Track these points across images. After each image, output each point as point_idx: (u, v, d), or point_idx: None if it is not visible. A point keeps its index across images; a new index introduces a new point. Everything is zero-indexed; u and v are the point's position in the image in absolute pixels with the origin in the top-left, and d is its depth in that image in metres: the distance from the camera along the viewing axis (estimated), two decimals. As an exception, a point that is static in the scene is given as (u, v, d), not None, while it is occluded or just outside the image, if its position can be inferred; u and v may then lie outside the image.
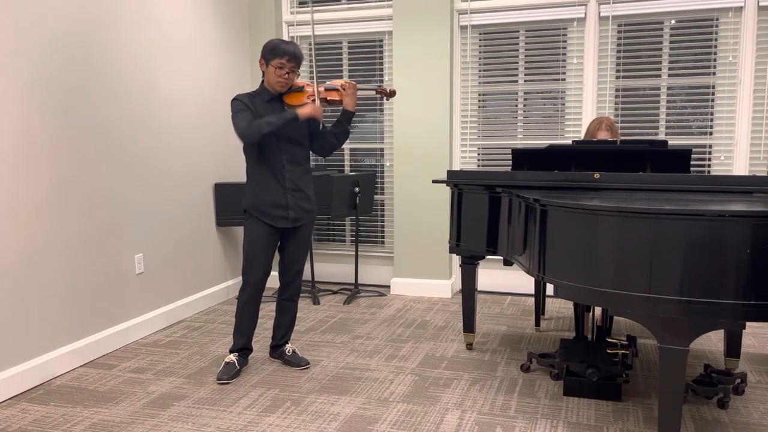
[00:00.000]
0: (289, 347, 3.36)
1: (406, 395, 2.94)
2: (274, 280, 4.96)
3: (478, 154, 4.80)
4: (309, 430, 2.59)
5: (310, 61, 5.08)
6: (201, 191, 4.39)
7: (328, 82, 3.23)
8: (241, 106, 3.05)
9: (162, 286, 4.02)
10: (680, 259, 2.10)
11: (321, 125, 3.27)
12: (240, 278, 4.85)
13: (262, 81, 3.15)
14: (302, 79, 3.10)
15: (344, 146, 5.10)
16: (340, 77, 5.02)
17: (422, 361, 3.38)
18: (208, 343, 3.72)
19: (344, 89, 3.16)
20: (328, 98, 3.19)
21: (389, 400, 2.89)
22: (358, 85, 3.22)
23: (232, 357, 3.20)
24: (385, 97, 3.31)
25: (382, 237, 5.13)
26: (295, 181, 3.16)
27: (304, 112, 3.04)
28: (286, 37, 5.07)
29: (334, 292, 4.92)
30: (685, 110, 4.36)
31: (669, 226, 2.12)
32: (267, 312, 4.36)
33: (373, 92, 3.26)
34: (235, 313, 3.41)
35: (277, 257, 4.60)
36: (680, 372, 2.17)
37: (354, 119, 5.04)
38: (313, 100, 3.15)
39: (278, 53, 3.03)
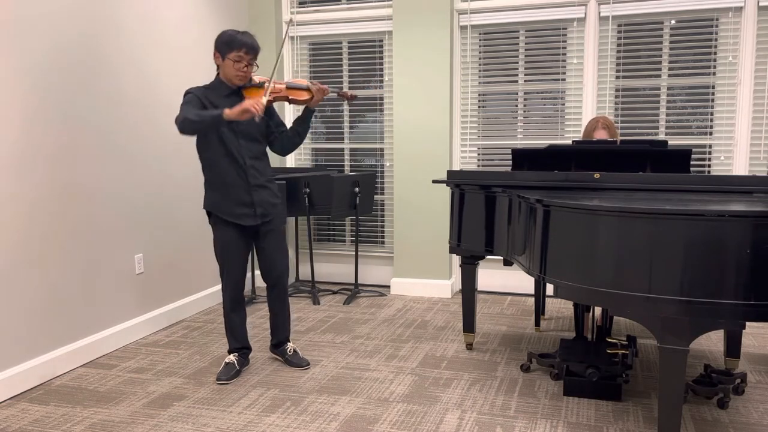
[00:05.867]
0: (290, 346, 3.35)
1: (406, 395, 2.93)
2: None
3: (478, 154, 4.80)
4: (309, 430, 2.59)
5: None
6: (201, 191, 4.39)
7: (290, 80, 3.14)
8: (191, 98, 2.91)
9: (162, 286, 4.02)
10: (680, 259, 2.11)
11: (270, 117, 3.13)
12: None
13: (218, 74, 3.02)
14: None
15: (344, 146, 5.10)
16: (340, 77, 5.02)
17: (422, 361, 3.37)
18: (208, 343, 3.72)
19: (317, 91, 3.07)
20: (291, 97, 3.08)
21: (389, 400, 2.89)
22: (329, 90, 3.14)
23: (232, 357, 3.20)
24: (346, 101, 3.23)
25: (382, 237, 5.13)
26: (257, 176, 3.07)
27: (231, 113, 2.71)
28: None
29: (334, 292, 4.92)
30: (685, 110, 4.36)
31: (669, 226, 2.12)
32: (265, 312, 4.36)
33: (335, 95, 3.18)
34: (223, 318, 3.38)
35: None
36: (680, 372, 2.17)
37: (354, 119, 5.06)
38: (274, 98, 3.04)
39: (235, 46, 2.91)
